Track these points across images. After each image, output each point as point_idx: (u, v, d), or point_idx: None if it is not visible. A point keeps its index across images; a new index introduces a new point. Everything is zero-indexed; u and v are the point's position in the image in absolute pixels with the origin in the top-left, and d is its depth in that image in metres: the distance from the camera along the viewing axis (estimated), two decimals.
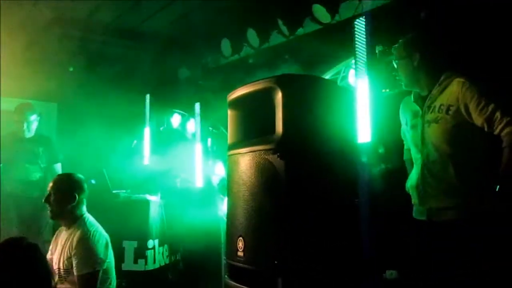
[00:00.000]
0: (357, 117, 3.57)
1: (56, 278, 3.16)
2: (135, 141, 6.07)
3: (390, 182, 3.95)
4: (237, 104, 2.72)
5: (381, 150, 4.25)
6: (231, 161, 2.69)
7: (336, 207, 2.53)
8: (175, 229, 5.57)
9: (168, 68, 6.20)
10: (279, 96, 2.38)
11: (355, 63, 4.20)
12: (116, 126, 5.95)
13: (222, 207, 5.64)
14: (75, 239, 3.08)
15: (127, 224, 5.04)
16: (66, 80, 5.89)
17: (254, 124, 2.62)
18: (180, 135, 6.03)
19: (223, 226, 5.64)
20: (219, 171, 5.70)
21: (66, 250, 3.12)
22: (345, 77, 4.61)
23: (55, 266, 3.17)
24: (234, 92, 2.72)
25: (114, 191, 5.25)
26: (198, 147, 5.62)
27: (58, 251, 3.21)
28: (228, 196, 2.71)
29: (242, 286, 2.53)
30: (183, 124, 6.08)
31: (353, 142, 2.84)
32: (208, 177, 5.70)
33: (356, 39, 4.12)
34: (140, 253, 5.08)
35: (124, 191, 5.33)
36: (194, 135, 5.84)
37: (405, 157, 3.39)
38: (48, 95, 5.98)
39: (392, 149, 4.00)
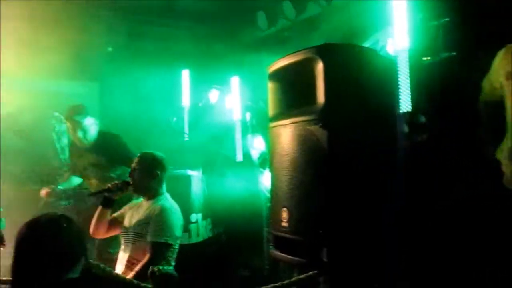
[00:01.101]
0: (398, 86, 3.51)
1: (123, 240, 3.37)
2: (174, 118, 6.13)
3: (430, 152, 3.90)
4: (277, 76, 2.72)
5: (422, 120, 4.19)
6: (272, 133, 2.71)
7: (378, 178, 2.52)
8: (217, 203, 5.65)
9: (205, 44, 6.22)
10: (320, 66, 2.37)
11: (394, 31, 4.12)
12: (156, 104, 6.03)
13: (262, 180, 5.69)
14: (157, 209, 3.24)
15: None
16: (106, 59, 5.99)
17: (295, 95, 2.62)
18: (218, 110, 6.06)
19: (263, 199, 5.70)
20: (258, 145, 5.72)
21: (144, 216, 3.26)
22: (383, 46, 4.53)
23: (126, 230, 3.36)
24: (274, 64, 2.72)
25: None
26: (237, 122, 5.64)
27: (133, 216, 3.35)
28: (271, 168, 2.74)
29: (287, 255, 2.57)
30: (221, 99, 6.10)
31: (395, 112, 2.80)
32: (247, 151, 5.74)
33: (395, 5, 4.03)
34: (184, 226, 5.18)
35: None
36: (232, 109, 5.87)
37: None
38: (90, 74, 6.09)
39: (434, 119, 3.94)
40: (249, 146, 5.73)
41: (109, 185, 3.44)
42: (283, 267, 5.35)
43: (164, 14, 6.00)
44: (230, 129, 5.81)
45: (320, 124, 2.37)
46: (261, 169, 5.73)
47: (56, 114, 5.48)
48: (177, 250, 3.40)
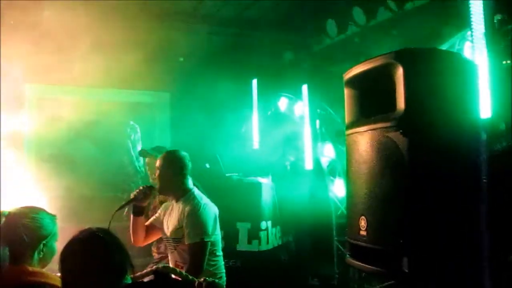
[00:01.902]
0: (478, 91, 3.39)
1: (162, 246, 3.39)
2: (244, 126, 6.21)
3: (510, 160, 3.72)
4: (354, 82, 2.69)
5: (502, 127, 4.01)
6: (349, 141, 2.67)
7: (460, 186, 2.43)
8: (287, 211, 5.66)
9: (273, 52, 6.26)
10: (400, 71, 2.32)
11: (472, 34, 3.99)
12: (225, 112, 6.12)
13: (332, 188, 5.65)
14: (186, 211, 3.24)
15: (240, 206, 5.20)
16: (177, 70, 6.14)
17: (372, 102, 2.58)
18: (288, 118, 6.08)
19: (333, 207, 5.66)
20: (328, 152, 5.69)
21: (177, 221, 3.29)
22: (460, 50, 4.39)
23: (166, 236, 3.38)
24: (351, 70, 2.68)
25: (227, 175, 5.43)
26: (306, 130, 5.64)
27: (168, 222, 3.39)
28: (348, 175, 2.70)
29: (365, 265, 2.52)
30: (290, 107, 6.12)
31: (475, 119, 2.69)
32: (317, 159, 5.71)
33: (472, 8, 3.90)
34: (254, 234, 5.23)
35: (237, 174, 5.48)
36: (302, 117, 5.86)
37: None
38: (162, 84, 6.26)
39: None
40: (319, 154, 5.71)
41: (134, 193, 3.39)
42: (353, 276, 5.29)
43: (235, 24, 6.08)
44: (300, 137, 5.81)
45: (401, 131, 2.31)
46: (331, 177, 5.69)
47: (131, 123, 5.67)
48: (219, 241, 3.37)
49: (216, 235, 3.32)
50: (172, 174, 3.34)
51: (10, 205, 2.36)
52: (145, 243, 3.60)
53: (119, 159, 5.29)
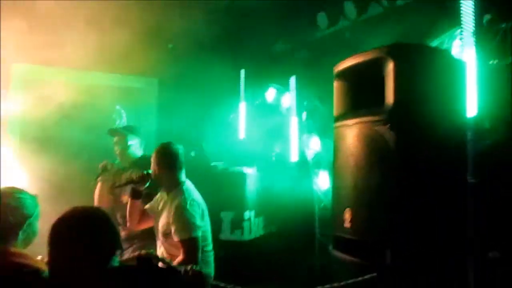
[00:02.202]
0: (466, 89, 3.43)
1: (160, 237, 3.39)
2: (231, 115, 6.20)
3: (494, 158, 3.78)
4: (344, 75, 2.71)
5: (486, 125, 4.06)
6: (337, 133, 2.70)
7: (445, 181, 2.47)
8: (270, 202, 5.68)
9: (263, 43, 6.24)
10: (390, 66, 2.34)
11: (461, 33, 4.02)
12: (212, 101, 6.10)
13: (317, 181, 5.68)
14: (173, 207, 3.25)
15: (224, 196, 5.21)
16: (166, 56, 6.09)
17: (361, 95, 2.60)
18: (275, 109, 6.08)
19: (317, 200, 5.69)
20: (314, 145, 5.71)
21: (166, 216, 3.31)
22: (449, 48, 4.42)
23: (156, 229, 3.40)
24: (342, 63, 2.70)
25: (212, 163, 5.43)
26: (293, 121, 5.65)
27: (158, 215, 3.41)
28: (335, 168, 2.72)
29: (349, 256, 2.55)
30: (278, 98, 6.12)
31: (462, 116, 2.73)
32: (302, 151, 5.73)
33: (462, 7, 3.93)
34: (237, 223, 5.25)
35: (222, 163, 5.48)
36: (289, 109, 5.87)
37: None
38: (150, 70, 6.21)
39: (499, 124, 3.81)
40: (304, 146, 5.72)
41: (134, 176, 3.46)
42: (335, 268, 5.33)
43: (225, 13, 6.04)
44: (286, 128, 5.82)
45: (389, 124, 2.33)
46: (316, 170, 5.72)
47: (117, 107, 5.61)
48: (208, 235, 3.40)
49: (205, 231, 3.33)
50: (164, 168, 3.36)
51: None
52: (139, 228, 3.62)
53: (105, 143, 5.22)
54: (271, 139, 5.92)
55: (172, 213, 3.24)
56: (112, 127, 4.63)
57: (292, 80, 5.66)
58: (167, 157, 3.40)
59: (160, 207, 3.45)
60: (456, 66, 2.64)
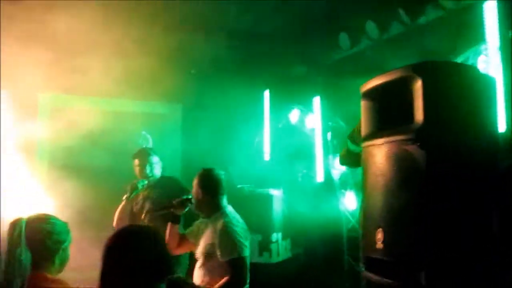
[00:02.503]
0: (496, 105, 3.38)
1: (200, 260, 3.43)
2: (256, 138, 6.21)
3: None
4: (371, 94, 2.69)
5: None
6: (366, 153, 2.67)
7: (478, 200, 2.41)
8: (297, 223, 5.65)
9: (285, 65, 6.28)
10: (418, 84, 2.32)
11: (486, 49, 3.99)
12: (237, 124, 6.14)
13: (343, 201, 5.63)
14: (219, 228, 3.26)
15: (251, 218, 5.14)
16: (189, 82, 6.17)
17: (389, 114, 2.57)
18: (299, 131, 6.08)
19: (344, 220, 5.63)
20: (340, 165, 5.67)
21: (209, 237, 3.31)
22: (474, 64, 4.39)
23: (197, 250, 3.43)
24: (368, 82, 2.69)
25: (238, 186, 5.43)
26: (318, 142, 5.64)
27: (200, 237, 3.42)
28: (364, 188, 2.69)
29: (381, 278, 2.50)
30: (301, 120, 6.12)
31: (494, 132, 2.68)
32: (328, 171, 5.70)
33: (486, 23, 3.91)
34: (265, 246, 5.22)
35: (248, 186, 5.48)
36: (313, 130, 5.87)
37: None
38: (173, 96, 6.30)
39: None
40: (330, 166, 5.70)
41: (174, 201, 3.51)
42: None
43: (246, 37, 6.11)
44: (311, 149, 5.81)
45: (418, 143, 2.30)
46: (342, 190, 5.68)
47: (143, 133, 5.68)
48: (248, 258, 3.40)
49: (248, 255, 3.33)
50: (206, 193, 3.40)
51: (24, 213, 2.37)
52: (178, 252, 3.70)
53: (131, 168, 5.29)
54: (297, 160, 5.90)
55: (217, 234, 3.25)
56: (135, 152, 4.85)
57: (316, 101, 5.66)
58: (211, 182, 3.43)
59: (200, 231, 3.47)
60: (485, 82, 2.60)
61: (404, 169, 2.38)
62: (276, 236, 5.31)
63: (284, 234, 5.49)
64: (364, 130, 2.74)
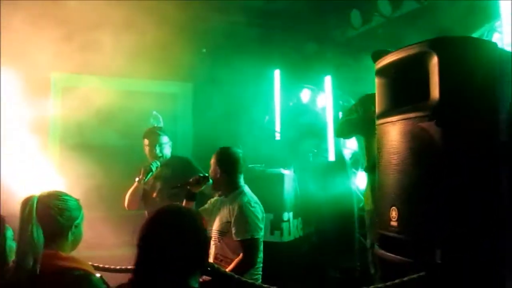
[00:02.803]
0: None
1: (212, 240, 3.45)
2: (267, 117, 6.18)
3: None
4: (386, 71, 2.66)
5: None
6: (380, 130, 2.65)
7: (495, 177, 2.39)
8: (308, 203, 5.64)
9: (296, 43, 6.22)
10: (434, 60, 2.29)
11: (500, 26, 3.93)
12: (247, 103, 6.11)
13: (355, 181, 5.62)
14: (235, 207, 3.28)
15: (262, 197, 5.13)
16: (200, 61, 6.14)
17: (404, 91, 2.55)
18: (310, 110, 6.05)
19: (355, 200, 5.62)
20: (351, 145, 5.65)
21: (225, 215, 3.32)
22: None
23: (210, 228, 3.43)
24: (383, 59, 2.66)
25: (249, 166, 5.41)
26: (329, 121, 5.60)
27: (216, 215, 3.42)
28: (379, 166, 2.68)
29: (395, 256, 2.50)
30: (313, 99, 6.08)
31: (510, 109, 2.64)
32: (340, 151, 5.68)
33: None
34: (276, 225, 5.22)
35: (259, 165, 5.47)
36: (324, 109, 5.83)
37: None
38: (184, 75, 6.27)
39: None
40: (341, 145, 5.67)
41: (191, 179, 3.50)
42: (375, 269, 5.25)
43: (258, 15, 6.05)
44: (322, 129, 5.77)
45: (434, 120, 2.28)
46: (353, 169, 5.66)
47: (154, 112, 5.68)
48: (262, 240, 3.42)
49: (262, 235, 3.35)
50: (224, 171, 3.40)
51: (36, 191, 2.37)
52: None
53: (142, 148, 5.30)
54: (308, 139, 5.87)
55: (234, 213, 3.27)
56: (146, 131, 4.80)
57: (327, 80, 5.61)
58: (229, 161, 3.44)
59: (215, 208, 3.48)
60: (502, 57, 2.55)
61: (419, 147, 2.37)
62: (287, 215, 5.31)
63: (295, 213, 5.49)
64: (378, 107, 2.72)
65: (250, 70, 5.97)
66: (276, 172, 5.37)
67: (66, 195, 2.31)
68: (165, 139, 4.69)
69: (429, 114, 2.31)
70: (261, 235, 3.33)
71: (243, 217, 3.25)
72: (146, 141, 4.74)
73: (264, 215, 3.41)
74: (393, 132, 2.52)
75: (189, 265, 1.92)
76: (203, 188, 3.58)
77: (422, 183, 2.35)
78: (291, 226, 5.40)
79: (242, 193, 3.40)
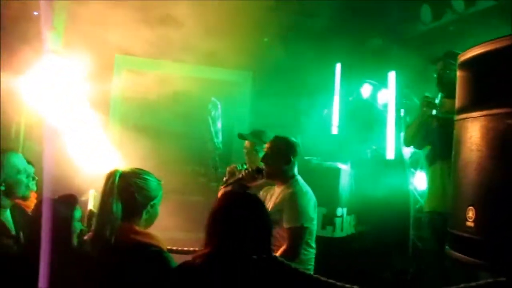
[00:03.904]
0: None
1: None
2: (325, 110, 6.09)
3: None
4: (470, 64, 2.52)
5: None
6: (460, 126, 2.52)
7: None
8: (363, 200, 5.52)
9: (360, 37, 6.09)
10: None
11: None
12: (307, 94, 6.04)
13: (413, 181, 5.46)
14: (287, 194, 3.24)
15: (317, 190, 5.05)
16: (261, 50, 6.10)
17: (490, 86, 2.40)
18: (370, 106, 5.91)
19: (412, 201, 5.47)
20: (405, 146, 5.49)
21: (277, 202, 3.28)
22: None
23: None
24: (467, 52, 2.52)
25: (305, 158, 5.34)
26: (390, 118, 5.46)
27: (268, 205, 3.37)
28: (456, 163, 2.55)
29: (468, 257, 2.38)
30: (373, 94, 5.94)
31: None
32: (399, 149, 5.53)
33: None
34: (329, 219, 5.13)
35: (316, 158, 5.40)
36: (385, 105, 5.69)
37: None
38: (245, 64, 6.25)
39: None
40: (401, 144, 5.52)
41: (243, 173, 3.45)
42: (430, 272, 5.09)
43: (323, 7, 5.95)
44: (382, 125, 5.64)
45: None
46: (412, 169, 5.50)
47: (213, 99, 5.68)
48: (315, 232, 3.36)
49: (314, 225, 3.28)
50: (280, 161, 3.35)
51: (120, 166, 2.41)
52: None
53: (200, 134, 5.32)
54: (366, 136, 5.75)
55: (285, 200, 3.22)
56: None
57: (391, 75, 5.47)
58: (285, 150, 3.37)
59: (268, 198, 3.44)
60: None
61: (504, 145, 2.23)
62: (341, 210, 5.21)
63: (349, 210, 5.38)
64: (458, 101, 2.59)
65: (311, 63, 5.90)
66: (333, 166, 5.28)
67: (148, 174, 2.36)
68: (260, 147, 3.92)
69: None
70: (312, 226, 3.25)
71: (293, 205, 3.20)
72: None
73: (317, 206, 3.32)
74: (474, 128, 2.38)
75: (258, 246, 1.98)
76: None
77: (505, 183, 2.21)
78: (344, 222, 5.30)
79: (295, 182, 3.34)
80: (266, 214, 2.07)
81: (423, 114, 4.04)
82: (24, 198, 2.85)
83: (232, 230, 1.93)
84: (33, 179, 2.92)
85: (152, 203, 2.28)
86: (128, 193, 2.21)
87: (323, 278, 2.45)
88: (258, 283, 1.87)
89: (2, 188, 2.67)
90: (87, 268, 2.09)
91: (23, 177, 2.78)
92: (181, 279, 1.91)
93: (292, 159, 3.35)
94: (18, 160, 2.80)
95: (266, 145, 3.47)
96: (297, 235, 3.15)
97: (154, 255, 2.12)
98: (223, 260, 1.89)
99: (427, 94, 4.05)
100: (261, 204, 2.12)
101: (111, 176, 2.21)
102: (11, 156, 2.79)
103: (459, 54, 2.60)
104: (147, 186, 2.27)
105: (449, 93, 3.44)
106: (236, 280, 1.85)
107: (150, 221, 2.31)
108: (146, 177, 2.30)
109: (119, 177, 2.19)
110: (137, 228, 2.20)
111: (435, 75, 4.08)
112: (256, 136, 4.11)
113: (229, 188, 3.70)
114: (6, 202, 2.71)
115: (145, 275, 2.02)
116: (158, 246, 2.17)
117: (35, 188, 2.96)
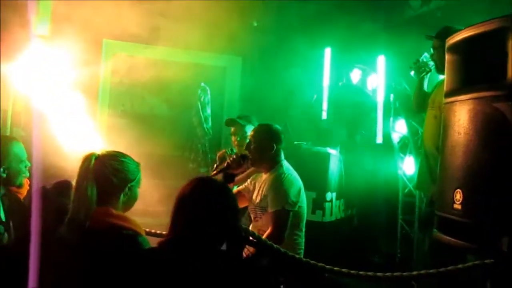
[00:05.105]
0: None
1: (252, 215, 3.45)
2: (315, 95, 6.09)
3: None
4: (458, 47, 2.54)
5: None
6: (448, 109, 2.54)
7: None
8: (352, 184, 5.56)
9: (349, 22, 6.06)
10: None
11: None
12: (296, 79, 6.02)
13: (401, 165, 5.49)
14: (270, 180, 3.23)
15: (306, 175, 5.06)
16: (250, 35, 6.07)
17: (478, 69, 2.42)
18: (359, 91, 5.91)
19: (401, 185, 5.51)
20: (400, 128, 5.51)
21: (263, 189, 3.29)
22: None
23: (253, 204, 3.40)
24: (455, 35, 2.53)
25: (295, 142, 5.36)
26: (379, 103, 5.47)
27: (256, 191, 3.38)
28: (444, 146, 2.57)
29: (455, 240, 2.41)
30: (363, 79, 5.94)
31: None
32: (388, 134, 5.55)
33: None
34: (318, 204, 5.15)
35: (305, 143, 5.40)
36: (374, 90, 5.69)
37: None
38: (234, 49, 6.21)
39: None
40: (390, 129, 5.54)
41: (228, 161, 3.44)
42: (417, 255, 5.15)
43: None
44: (371, 110, 5.65)
45: (510, 101, 2.16)
46: (401, 154, 5.53)
47: (203, 84, 5.66)
48: (304, 215, 3.36)
49: (301, 208, 3.28)
50: (263, 149, 3.34)
51: (97, 149, 2.38)
52: None
53: (189, 120, 5.30)
54: (356, 120, 5.77)
55: (269, 185, 3.22)
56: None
57: (380, 60, 5.46)
58: (270, 138, 3.37)
59: (256, 185, 3.44)
60: None
61: (491, 128, 2.25)
62: (330, 195, 5.23)
63: (339, 194, 5.40)
64: (447, 85, 2.60)
65: (300, 47, 5.87)
66: (322, 151, 5.29)
67: (125, 156, 2.31)
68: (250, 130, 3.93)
69: (505, 93, 2.18)
70: (298, 209, 3.25)
71: (275, 189, 3.19)
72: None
73: (303, 190, 3.32)
74: (463, 111, 2.41)
75: (222, 231, 1.97)
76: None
77: (492, 166, 2.24)
78: (334, 206, 5.33)
79: (280, 167, 3.34)
80: (231, 200, 2.05)
81: (420, 79, 4.15)
82: (20, 186, 2.85)
83: (193, 216, 1.92)
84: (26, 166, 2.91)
85: (129, 185, 2.24)
86: (104, 176, 2.17)
87: (312, 262, 2.45)
88: (219, 271, 1.88)
89: (4, 175, 2.65)
90: (64, 252, 2.08)
91: (23, 167, 2.77)
92: (145, 264, 1.91)
93: (275, 146, 3.34)
94: (20, 150, 2.79)
95: (250, 133, 3.47)
96: (279, 219, 3.14)
97: (127, 238, 2.10)
98: (183, 246, 1.89)
99: (417, 58, 4.11)
100: (225, 189, 2.10)
101: (86, 159, 2.16)
102: (15, 145, 2.77)
103: (457, 30, 2.61)
104: (124, 168, 2.23)
105: None
106: (195, 266, 1.85)
107: (129, 203, 2.28)
108: (122, 159, 2.25)
109: (95, 160, 2.16)
110: (113, 211, 2.17)
111: (430, 53, 4.08)
112: (244, 119, 4.28)
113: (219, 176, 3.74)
114: (1, 190, 2.70)
115: (116, 258, 2.00)
116: (133, 229, 2.15)
117: (28, 174, 2.95)
